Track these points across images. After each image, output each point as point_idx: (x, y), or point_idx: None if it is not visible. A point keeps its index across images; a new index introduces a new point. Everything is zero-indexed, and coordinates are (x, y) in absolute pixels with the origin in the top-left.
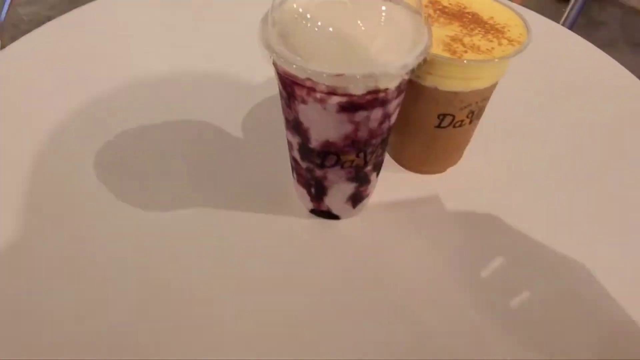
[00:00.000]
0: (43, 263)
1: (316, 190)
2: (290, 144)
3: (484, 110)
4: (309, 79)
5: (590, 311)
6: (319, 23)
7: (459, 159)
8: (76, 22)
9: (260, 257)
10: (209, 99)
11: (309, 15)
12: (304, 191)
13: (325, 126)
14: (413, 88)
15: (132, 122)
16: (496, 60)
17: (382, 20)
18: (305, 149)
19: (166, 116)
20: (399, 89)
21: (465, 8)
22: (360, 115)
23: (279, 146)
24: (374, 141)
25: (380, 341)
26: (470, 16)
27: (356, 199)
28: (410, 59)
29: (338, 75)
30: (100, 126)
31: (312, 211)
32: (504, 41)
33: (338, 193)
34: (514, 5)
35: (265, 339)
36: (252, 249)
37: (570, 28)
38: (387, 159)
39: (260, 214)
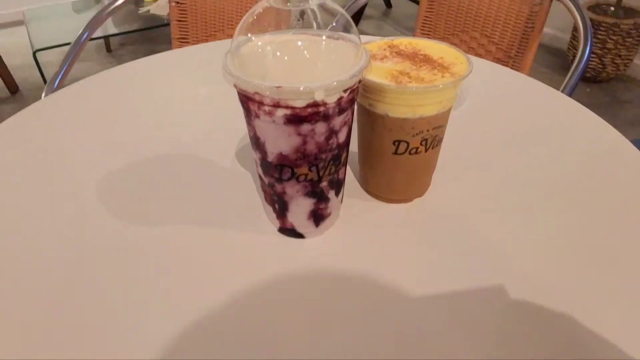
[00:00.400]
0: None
1: (279, 206)
2: (255, 162)
3: (439, 140)
4: (256, 92)
5: (548, 326)
6: (271, 53)
7: (424, 189)
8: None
9: (231, 271)
10: (190, 124)
11: (263, 49)
12: (270, 208)
13: (277, 139)
14: (369, 116)
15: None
16: (440, 86)
17: (324, 51)
18: (264, 164)
19: (148, 134)
20: (340, 106)
21: (419, 51)
22: (306, 128)
23: (252, 171)
24: (323, 156)
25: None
26: (422, 56)
27: (317, 217)
28: (344, 77)
29: (278, 87)
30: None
31: (280, 230)
32: (447, 74)
33: (298, 208)
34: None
35: (233, 353)
36: (223, 263)
37: (570, 94)
38: (357, 188)
39: (232, 231)
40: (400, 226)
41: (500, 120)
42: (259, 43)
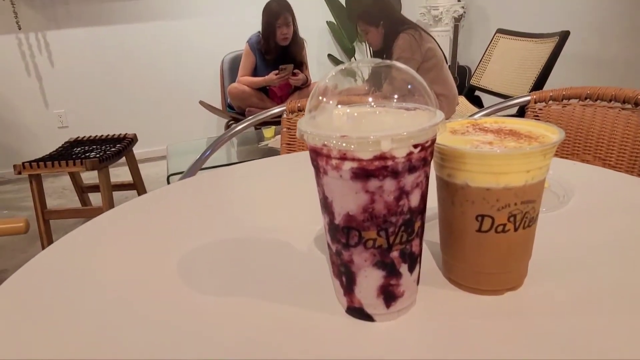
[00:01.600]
0: None
1: (346, 279)
2: (325, 230)
3: (531, 218)
4: (324, 144)
5: None
6: (344, 114)
7: (518, 281)
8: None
9: (294, 354)
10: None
11: (337, 112)
12: (337, 283)
13: (344, 197)
14: (449, 189)
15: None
16: (527, 149)
17: (396, 113)
18: (332, 227)
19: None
20: (410, 162)
21: (505, 127)
22: (373, 184)
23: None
24: (393, 219)
25: None
26: (507, 131)
27: (388, 295)
28: (412, 128)
29: (343, 136)
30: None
31: (348, 310)
32: (535, 143)
33: (367, 281)
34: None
35: None
36: (286, 345)
37: None
38: (439, 277)
39: (298, 310)
40: (486, 323)
41: (611, 224)
42: (332, 105)
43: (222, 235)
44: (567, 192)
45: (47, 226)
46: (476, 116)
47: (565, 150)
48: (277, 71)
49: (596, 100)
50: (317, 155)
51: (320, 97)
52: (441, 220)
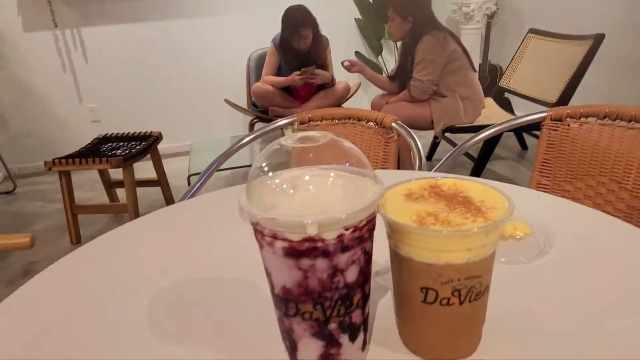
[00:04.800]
0: None
1: (289, 344)
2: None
3: (477, 292)
4: (258, 222)
5: None
6: (280, 187)
7: (470, 349)
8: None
9: None
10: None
11: (274, 182)
12: (285, 346)
13: (279, 271)
14: (396, 258)
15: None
16: (466, 230)
17: (331, 186)
18: (273, 295)
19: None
20: (342, 243)
21: (461, 192)
22: (305, 262)
23: None
24: (328, 294)
25: None
26: (460, 199)
27: None
28: (338, 214)
29: (272, 218)
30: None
31: None
32: (480, 219)
33: (307, 349)
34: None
35: None
36: None
37: None
38: (397, 341)
39: None
40: None
41: (588, 282)
42: (270, 176)
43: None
44: (548, 239)
45: (75, 219)
46: (487, 132)
47: (580, 171)
48: (299, 72)
49: (615, 119)
50: (255, 229)
51: (263, 166)
52: (393, 286)
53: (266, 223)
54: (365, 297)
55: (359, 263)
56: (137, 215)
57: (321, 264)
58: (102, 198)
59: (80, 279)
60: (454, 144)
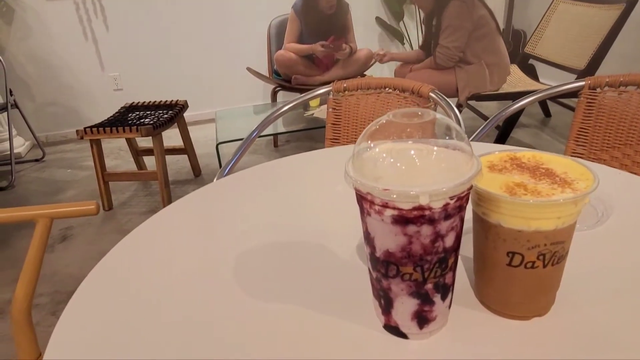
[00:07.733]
0: None
1: (384, 302)
2: (367, 257)
3: (560, 256)
4: (368, 192)
5: None
6: (386, 160)
7: (544, 308)
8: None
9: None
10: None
11: (380, 155)
12: (377, 303)
13: (385, 237)
14: (483, 224)
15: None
16: (560, 200)
17: (436, 159)
18: (373, 258)
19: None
20: (446, 211)
21: (542, 164)
22: (411, 229)
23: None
24: (428, 257)
25: None
26: (543, 170)
27: (421, 319)
28: (449, 184)
29: (385, 189)
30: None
31: (385, 327)
32: (568, 190)
33: (402, 307)
34: (592, 165)
35: None
36: (324, 351)
37: None
38: (471, 297)
39: (339, 321)
40: (511, 346)
41: None
42: (377, 150)
43: (266, 238)
44: (606, 208)
45: (106, 186)
46: (524, 101)
47: (618, 141)
48: (323, 42)
49: None
50: (362, 198)
51: (369, 141)
52: (475, 249)
53: (380, 194)
54: (457, 260)
55: (456, 230)
56: (166, 182)
57: (426, 230)
58: (128, 166)
59: (178, 230)
60: (477, 112)
